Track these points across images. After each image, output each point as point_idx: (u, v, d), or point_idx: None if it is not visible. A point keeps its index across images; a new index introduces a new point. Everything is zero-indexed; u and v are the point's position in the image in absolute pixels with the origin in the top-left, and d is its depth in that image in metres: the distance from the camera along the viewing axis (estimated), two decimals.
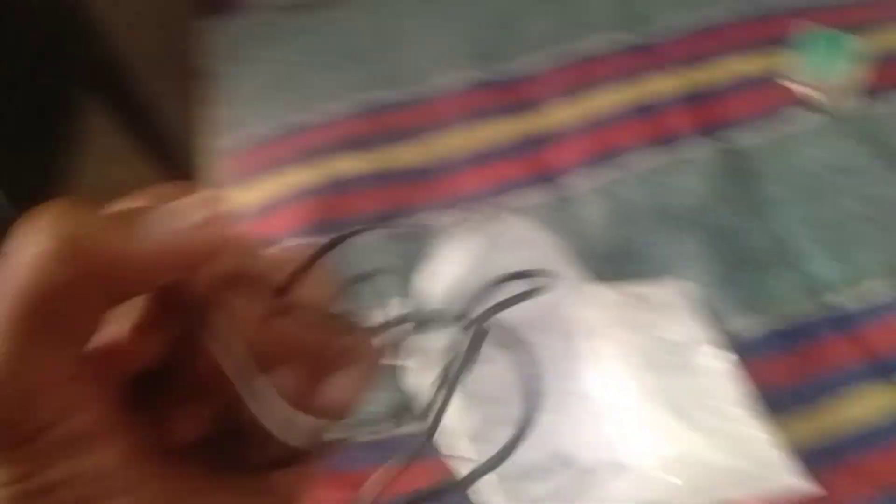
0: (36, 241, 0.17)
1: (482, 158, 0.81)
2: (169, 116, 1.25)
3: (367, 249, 0.76)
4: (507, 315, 0.23)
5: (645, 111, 0.84)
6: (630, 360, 0.63)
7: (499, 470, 0.21)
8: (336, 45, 0.93)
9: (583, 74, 0.86)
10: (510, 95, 0.86)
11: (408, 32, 0.92)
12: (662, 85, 0.85)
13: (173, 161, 1.25)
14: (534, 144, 0.82)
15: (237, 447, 0.23)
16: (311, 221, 0.79)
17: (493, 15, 0.93)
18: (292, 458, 0.23)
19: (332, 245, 0.23)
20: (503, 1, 0.94)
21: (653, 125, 0.83)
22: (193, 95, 1.08)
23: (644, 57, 0.88)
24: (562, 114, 0.84)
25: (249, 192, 0.84)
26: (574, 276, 0.71)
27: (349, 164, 0.83)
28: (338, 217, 0.80)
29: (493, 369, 0.23)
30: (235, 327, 0.20)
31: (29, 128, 1.00)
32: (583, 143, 0.81)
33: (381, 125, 0.85)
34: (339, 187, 0.81)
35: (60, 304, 0.17)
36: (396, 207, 0.80)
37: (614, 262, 0.73)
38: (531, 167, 0.80)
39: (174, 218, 0.19)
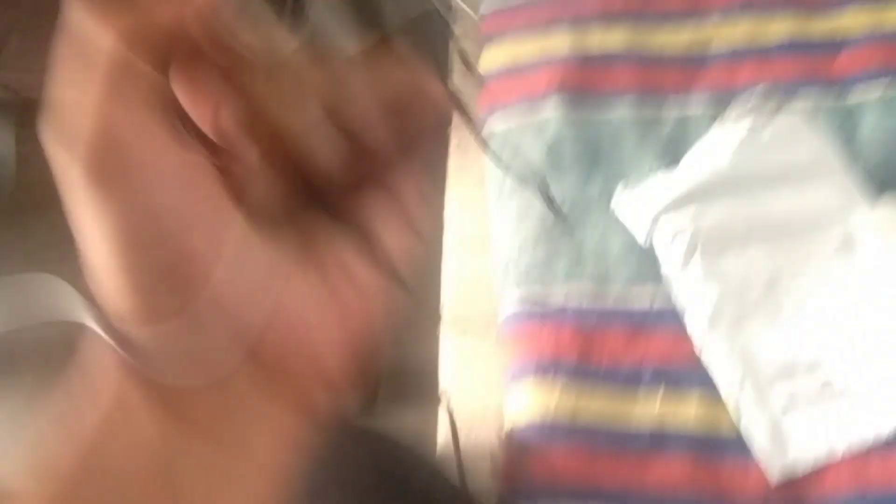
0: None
1: (757, 53, 0.76)
2: None
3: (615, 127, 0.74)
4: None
5: None
6: None
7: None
8: None
9: None
10: None
11: None
12: None
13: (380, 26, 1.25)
14: (817, 47, 0.75)
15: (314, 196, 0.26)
16: (558, 87, 0.77)
17: None
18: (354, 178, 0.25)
19: None
20: None
21: None
22: None
23: None
24: (851, 20, 0.76)
25: (500, 52, 0.83)
26: (850, 186, 0.66)
27: (606, 38, 0.79)
28: (585, 88, 0.77)
29: None
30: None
31: None
32: (872, 53, 0.74)
33: (649, 5, 0.81)
34: (592, 60, 0.79)
35: (123, 61, 0.21)
36: (650, 90, 0.77)
37: (893, 181, 0.67)
38: (811, 70, 0.74)
39: None
